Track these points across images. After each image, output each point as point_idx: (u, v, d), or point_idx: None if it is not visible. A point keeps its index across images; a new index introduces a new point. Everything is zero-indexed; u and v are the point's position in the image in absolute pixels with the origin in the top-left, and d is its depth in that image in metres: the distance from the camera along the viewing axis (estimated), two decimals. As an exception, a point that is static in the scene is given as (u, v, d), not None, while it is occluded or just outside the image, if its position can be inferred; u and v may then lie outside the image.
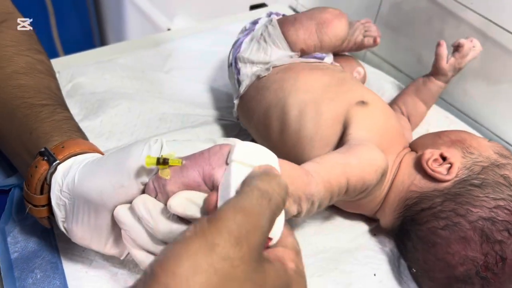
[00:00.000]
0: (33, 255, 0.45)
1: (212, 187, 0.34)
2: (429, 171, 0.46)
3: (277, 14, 0.63)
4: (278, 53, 0.58)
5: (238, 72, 0.59)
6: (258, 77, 0.57)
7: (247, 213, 0.27)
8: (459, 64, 0.61)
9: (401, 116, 0.63)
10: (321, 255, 0.48)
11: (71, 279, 0.44)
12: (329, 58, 0.61)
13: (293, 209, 0.37)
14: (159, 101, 0.67)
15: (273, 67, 0.56)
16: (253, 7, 0.92)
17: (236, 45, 0.62)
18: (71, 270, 0.45)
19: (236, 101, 0.59)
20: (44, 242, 0.46)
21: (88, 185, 0.37)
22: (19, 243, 0.46)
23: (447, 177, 0.46)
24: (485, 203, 0.43)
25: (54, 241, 0.46)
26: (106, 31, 1.84)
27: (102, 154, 0.44)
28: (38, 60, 0.52)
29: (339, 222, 0.53)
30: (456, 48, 0.61)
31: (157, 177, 0.35)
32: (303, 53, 0.59)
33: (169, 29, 1.40)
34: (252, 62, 0.58)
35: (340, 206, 0.53)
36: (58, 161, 0.40)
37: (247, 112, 0.58)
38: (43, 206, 0.41)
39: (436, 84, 0.63)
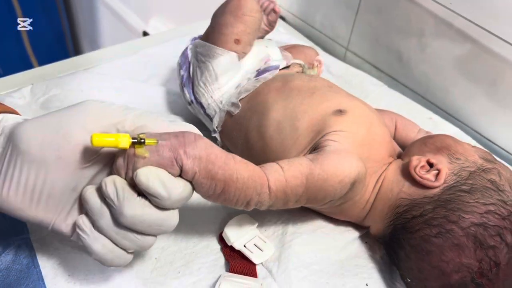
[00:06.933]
0: (16, 283, 0.43)
1: (181, 172, 0.37)
2: (417, 178, 0.46)
3: (199, 37, 0.64)
4: (221, 60, 0.58)
5: (202, 106, 0.59)
6: (230, 114, 0.57)
7: None
8: None
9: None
10: (313, 267, 0.48)
11: (58, 306, 0.43)
12: (283, 63, 0.60)
13: (240, 207, 0.42)
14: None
15: (240, 100, 0.57)
16: (231, 9, 0.91)
17: (184, 82, 0.61)
18: (57, 296, 0.43)
19: (216, 135, 0.59)
20: (27, 270, 0.44)
21: (29, 135, 0.37)
22: (1, 272, 0.44)
23: (436, 184, 0.45)
24: (475, 209, 0.43)
25: (38, 267, 0.45)
26: (79, 34, 1.79)
27: None
28: None
29: (329, 229, 0.52)
30: None
31: (129, 155, 0.36)
32: (238, 43, 0.59)
33: (144, 32, 1.38)
34: (207, 89, 0.58)
35: (328, 214, 0.52)
36: None
37: (231, 141, 0.58)
38: None
39: None
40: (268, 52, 0.62)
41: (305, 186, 0.44)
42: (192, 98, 0.60)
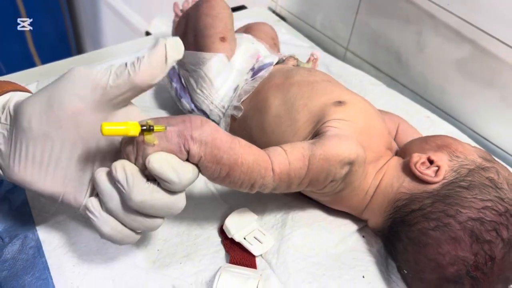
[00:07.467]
0: (22, 272, 0.45)
1: (188, 157, 0.39)
2: (418, 173, 0.47)
3: None
4: (211, 64, 0.59)
5: (204, 113, 0.61)
6: (234, 118, 0.58)
7: None
8: None
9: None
10: (311, 260, 0.49)
11: (63, 295, 0.44)
12: (275, 59, 0.61)
13: (245, 190, 0.44)
14: (141, 110, 0.67)
15: (242, 102, 0.58)
16: (232, 10, 0.92)
17: (180, 93, 0.63)
18: (62, 286, 0.44)
19: None
20: (33, 260, 0.46)
21: (29, 112, 0.38)
22: (8, 261, 0.45)
23: (435, 179, 0.47)
24: (473, 204, 0.44)
25: (44, 257, 0.46)
26: (82, 34, 1.81)
27: None
28: None
29: (328, 223, 0.54)
30: None
31: (139, 142, 0.37)
32: (224, 40, 0.60)
33: (147, 32, 1.39)
34: (206, 96, 0.59)
35: (327, 203, 0.54)
36: None
37: None
38: None
39: None
40: (256, 47, 0.63)
41: (307, 168, 0.45)
42: (193, 106, 0.61)
